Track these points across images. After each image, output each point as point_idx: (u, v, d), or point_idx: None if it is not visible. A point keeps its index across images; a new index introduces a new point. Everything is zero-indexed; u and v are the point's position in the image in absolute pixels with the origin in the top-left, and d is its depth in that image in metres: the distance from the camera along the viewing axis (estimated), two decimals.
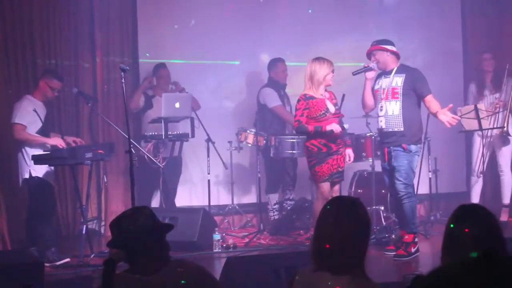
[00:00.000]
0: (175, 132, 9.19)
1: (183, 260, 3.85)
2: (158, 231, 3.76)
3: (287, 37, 10.32)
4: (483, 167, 9.27)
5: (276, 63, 9.81)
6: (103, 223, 9.65)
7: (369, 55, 8.00)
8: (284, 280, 5.31)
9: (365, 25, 10.50)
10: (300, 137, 8.70)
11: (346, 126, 7.76)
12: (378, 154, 9.14)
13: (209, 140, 9.33)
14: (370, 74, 7.92)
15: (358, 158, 9.07)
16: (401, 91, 7.73)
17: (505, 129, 9.05)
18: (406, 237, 7.89)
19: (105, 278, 3.57)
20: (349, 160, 7.99)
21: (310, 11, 10.48)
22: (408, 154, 7.73)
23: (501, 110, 9.07)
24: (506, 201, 9.41)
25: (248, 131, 9.29)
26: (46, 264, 7.11)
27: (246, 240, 8.75)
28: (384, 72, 7.92)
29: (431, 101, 7.74)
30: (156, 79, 9.65)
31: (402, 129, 7.71)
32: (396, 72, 7.80)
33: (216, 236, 8.25)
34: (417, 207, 7.97)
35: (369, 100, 8.00)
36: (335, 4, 10.49)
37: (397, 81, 7.77)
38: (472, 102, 9.33)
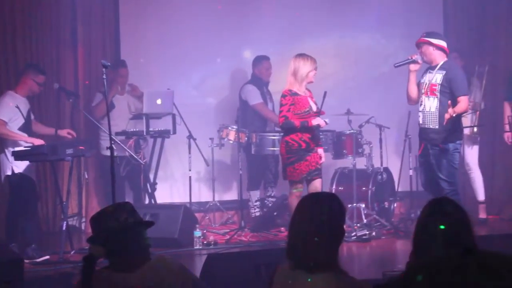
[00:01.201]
0: (157, 129, 9.16)
1: (163, 257, 3.85)
2: (139, 228, 3.76)
3: (270, 34, 10.32)
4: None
5: (261, 61, 9.79)
6: (83, 220, 9.61)
7: (418, 46, 7.82)
8: (265, 276, 5.32)
9: (349, 22, 10.51)
10: (281, 134, 8.70)
11: (327, 120, 7.76)
12: (359, 151, 9.18)
13: (190, 136, 9.31)
14: (414, 67, 7.72)
15: (339, 155, 9.11)
16: (439, 88, 7.57)
17: (475, 129, 9.11)
18: None
19: (84, 275, 3.57)
20: (322, 161, 7.98)
21: None
22: (445, 153, 7.60)
23: (471, 110, 9.12)
24: (481, 197, 9.45)
25: (229, 128, 9.28)
26: (26, 261, 7.09)
27: (227, 237, 8.75)
28: (430, 67, 7.75)
29: (461, 102, 7.53)
30: (114, 77, 9.29)
31: (437, 126, 7.56)
32: (439, 68, 7.62)
33: (197, 233, 8.24)
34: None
35: (413, 93, 7.81)
36: (319, 2, 10.50)
37: (437, 77, 7.60)
38: None
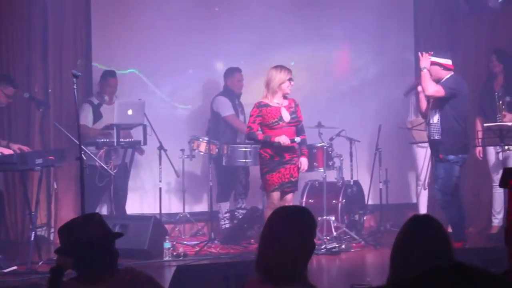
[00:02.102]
0: (127, 139, 9.13)
1: (132, 268, 3.83)
2: (108, 239, 3.73)
3: (242, 46, 10.33)
4: (427, 178, 9.34)
5: (233, 72, 9.81)
6: (52, 230, 9.53)
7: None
8: None
9: (320, 35, 10.55)
10: (253, 146, 8.72)
11: (297, 139, 7.76)
12: (330, 164, 9.21)
13: (161, 147, 9.28)
14: (420, 88, 7.97)
15: (309, 168, 9.10)
16: (440, 100, 7.79)
17: None
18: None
19: (51, 286, 3.54)
20: (302, 169, 8.00)
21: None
22: (445, 164, 7.73)
23: None
24: None
25: (200, 139, 9.26)
26: None
27: (197, 248, 8.72)
28: (437, 82, 7.91)
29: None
30: (103, 86, 9.44)
31: (440, 137, 7.76)
32: (442, 82, 7.82)
33: (167, 244, 8.20)
34: (462, 216, 8.03)
35: (425, 106, 8.05)
36: (291, 14, 10.53)
37: None
38: (413, 114, 9.44)
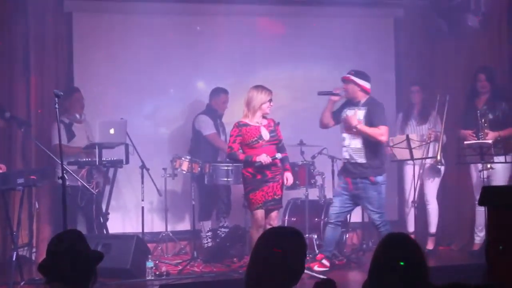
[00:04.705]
0: (109, 158, 9.11)
1: None
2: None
3: (223, 65, 10.36)
4: (415, 197, 9.33)
5: (219, 93, 9.81)
6: (34, 250, 9.47)
7: (343, 81, 8.25)
8: None
9: (302, 54, 10.59)
10: (235, 164, 8.74)
11: (278, 155, 7.80)
12: (312, 182, 9.23)
13: (143, 166, 9.28)
14: (335, 98, 8.26)
15: (292, 186, 9.12)
16: (363, 123, 8.04)
17: (438, 159, 9.15)
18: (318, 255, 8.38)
19: None
20: (287, 183, 8.00)
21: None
22: (376, 186, 8.05)
23: (432, 140, 9.17)
24: (433, 230, 9.55)
25: (183, 158, 9.27)
26: None
27: (180, 267, 8.70)
28: (351, 102, 8.22)
29: (378, 129, 8.04)
30: (72, 103, 9.30)
31: (364, 161, 8.03)
32: (362, 105, 8.11)
33: (149, 264, 8.19)
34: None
35: (327, 119, 8.35)
36: (272, 33, 10.58)
37: (360, 114, 8.08)
38: (398, 131, 9.46)
